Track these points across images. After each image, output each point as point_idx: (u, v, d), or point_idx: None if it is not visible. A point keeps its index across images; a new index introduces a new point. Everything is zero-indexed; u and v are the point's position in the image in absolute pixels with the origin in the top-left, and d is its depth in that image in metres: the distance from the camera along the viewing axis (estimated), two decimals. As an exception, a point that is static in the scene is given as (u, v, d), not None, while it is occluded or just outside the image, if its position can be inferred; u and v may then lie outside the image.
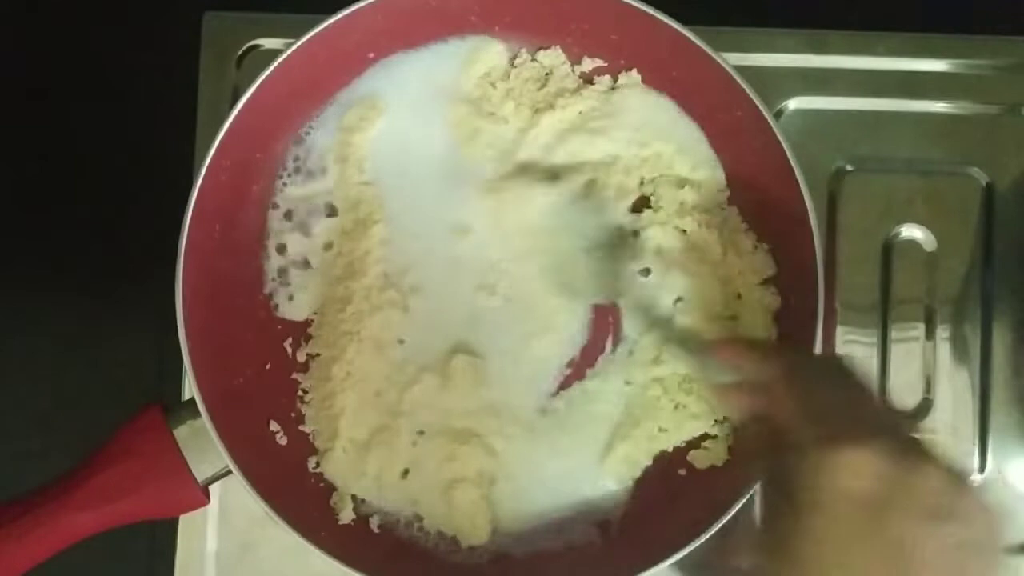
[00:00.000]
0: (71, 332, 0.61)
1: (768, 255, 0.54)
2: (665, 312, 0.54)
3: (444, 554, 0.54)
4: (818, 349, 0.50)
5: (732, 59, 0.51)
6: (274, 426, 0.54)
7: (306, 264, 0.55)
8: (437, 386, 0.54)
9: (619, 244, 0.54)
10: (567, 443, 0.54)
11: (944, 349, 0.59)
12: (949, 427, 0.58)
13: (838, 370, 0.44)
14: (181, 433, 0.50)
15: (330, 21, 0.52)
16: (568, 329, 0.55)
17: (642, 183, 0.56)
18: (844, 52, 0.60)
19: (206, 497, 0.51)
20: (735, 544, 0.44)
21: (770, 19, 0.61)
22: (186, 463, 0.49)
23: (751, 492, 0.49)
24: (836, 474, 0.37)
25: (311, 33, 0.51)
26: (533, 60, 0.57)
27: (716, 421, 0.54)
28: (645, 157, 0.55)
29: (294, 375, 0.55)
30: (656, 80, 0.56)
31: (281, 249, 0.56)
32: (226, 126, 0.51)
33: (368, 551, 0.53)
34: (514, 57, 0.57)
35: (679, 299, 0.54)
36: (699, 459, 0.54)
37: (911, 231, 0.59)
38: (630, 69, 0.56)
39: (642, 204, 0.56)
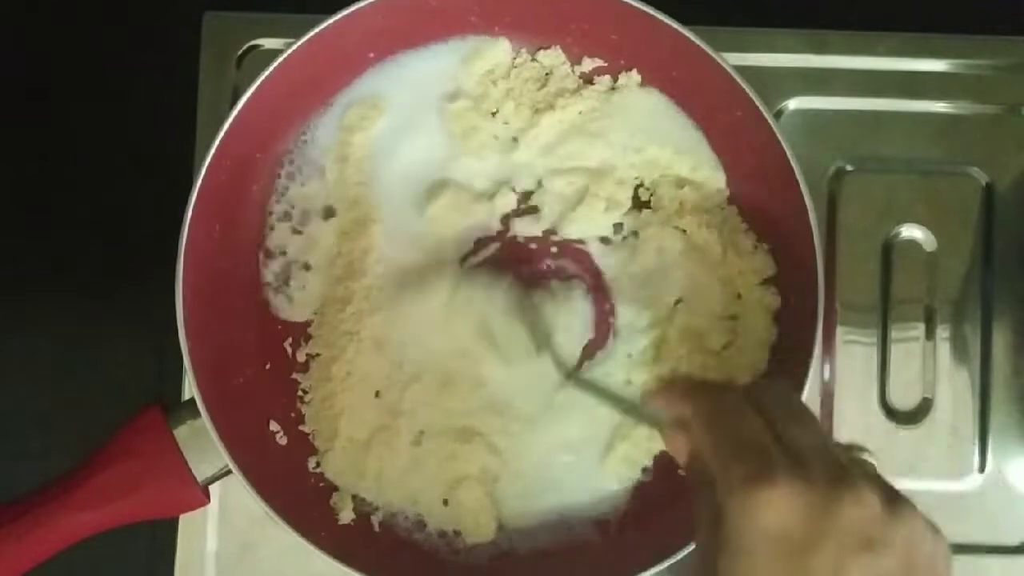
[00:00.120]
0: (71, 332, 0.61)
1: (768, 255, 0.54)
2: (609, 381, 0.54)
3: (445, 554, 0.54)
4: (818, 350, 0.50)
5: (732, 59, 0.51)
6: (274, 426, 0.54)
7: (306, 265, 0.55)
8: (438, 388, 0.54)
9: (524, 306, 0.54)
10: (569, 441, 0.54)
11: (944, 349, 0.59)
12: (949, 427, 0.58)
13: (759, 400, 0.41)
14: (181, 433, 0.50)
15: (330, 21, 0.52)
16: (571, 328, 0.55)
17: (641, 186, 0.56)
18: (844, 52, 0.60)
19: (206, 497, 0.51)
20: None
21: (770, 19, 0.61)
22: (186, 463, 0.49)
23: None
24: (756, 514, 0.35)
25: (311, 33, 0.51)
26: (533, 60, 0.57)
27: (716, 421, 0.53)
28: (643, 163, 0.55)
29: (294, 375, 0.55)
30: (656, 80, 0.56)
31: (281, 249, 0.56)
32: (226, 126, 0.51)
33: (368, 551, 0.53)
34: (514, 57, 0.57)
35: (679, 299, 0.54)
36: (699, 459, 0.54)
37: (911, 231, 0.59)
38: (630, 69, 0.56)
39: (642, 204, 0.56)
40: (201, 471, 0.50)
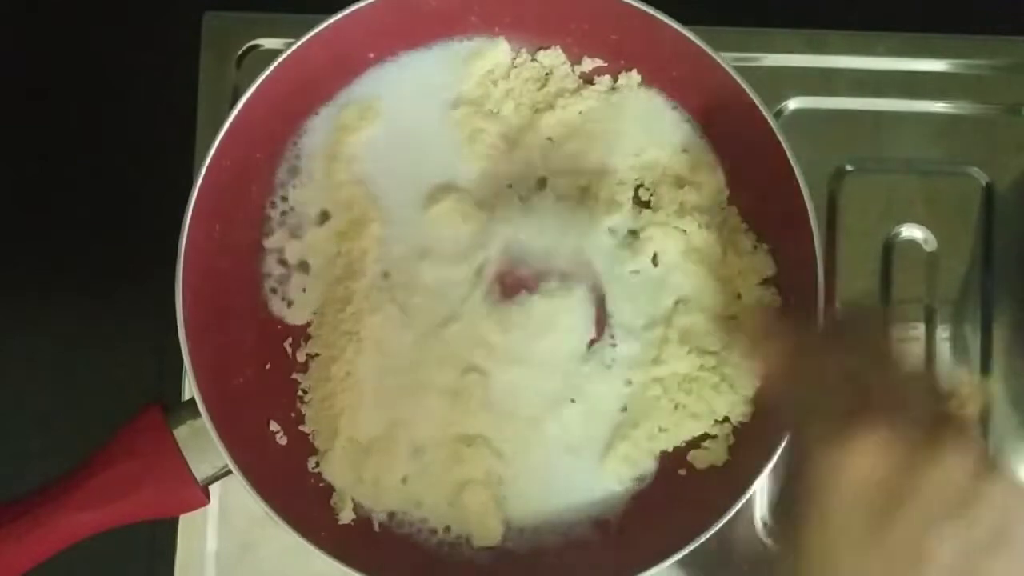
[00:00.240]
0: (71, 332, 0.61)
1: (768, 255, 0.54)
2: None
3: (445, 554, 0.54)
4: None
5: (732, 59, 0.51)
6: (274, 426, 0.54)
7: (304, 266, 0.55)
8: (446, 401, 0.54)
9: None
10: (569, 442, 0.54)
11: (944, 349, 0.59)
12: (949, 427, 0.58)
13: (852, 340, 0.39)
14: (181, 433, 0.50)
15: (330, 21, 0.52)
16: (573, 328, 0.55)
17: (641, 186, 0.56)
18: (844, 52, 0.60)
19: (206, 497, 0.51)
20: None
21: (770, 19, 0.61)
22: (186, 463, 0.49)
23: (750, 493, 0.49)
24: (840, 466, 0.34)
25: (311, 33, 0.51)
26: (533, 60, 0.57)
27: (716, 421, 0.54)
28: (644, 163, 0.55)
29: (294, 375, 0.55)
30: (656, 80, 0.56)
31: (279, 251, 0.56)
32: (226, 126, 0.51)
33: (368, 551, 0.52)
34: (514, 57, 0.57)
35: (679, 299, 0.54)
36: (699, 459, 0.54)
37: (911, 231, 0.59)
38: (630, 69, 0.56)
39: (642, 204, 0.56)
40: (201, 471, 0.50)
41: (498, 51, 0.56)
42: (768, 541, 0.58)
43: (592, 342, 0.55)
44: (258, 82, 0.51)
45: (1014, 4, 0.62)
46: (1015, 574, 0.34)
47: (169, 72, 0.61)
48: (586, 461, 0.54)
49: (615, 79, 0.56)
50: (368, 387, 0.54)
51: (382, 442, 0.54)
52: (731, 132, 0.54)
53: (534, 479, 0.54)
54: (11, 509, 0.48)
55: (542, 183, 0.56)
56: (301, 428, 0.55)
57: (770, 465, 0.48)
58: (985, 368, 0.58)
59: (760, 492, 0.58)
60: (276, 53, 0.51)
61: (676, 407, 0.54)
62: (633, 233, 0.55)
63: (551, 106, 0.56)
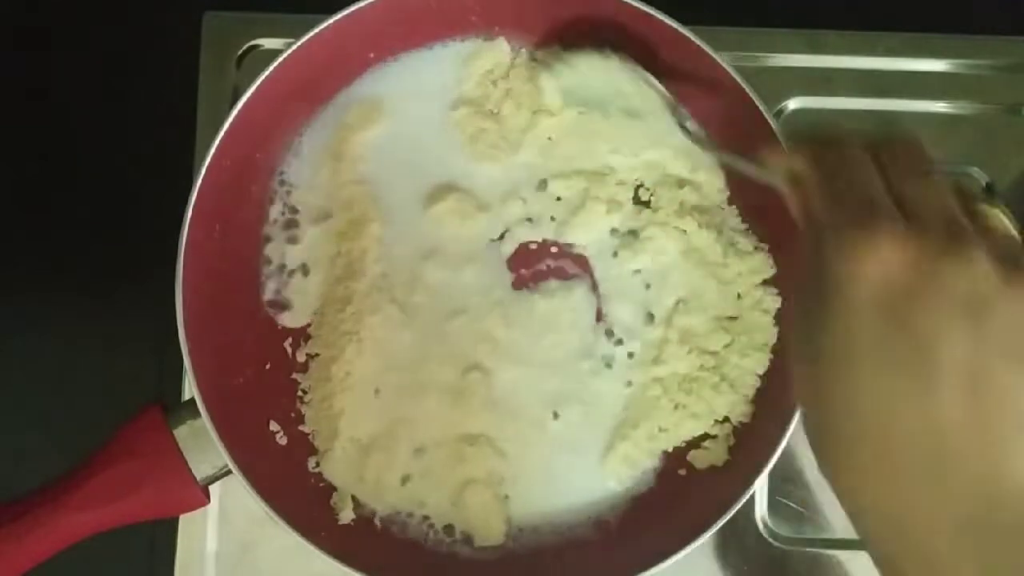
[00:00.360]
0: (71, 332, 0.61)
1: (768, 255, 0.54)
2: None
3: (446, 553, 0.54)
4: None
5: (732, 59, 0.51)
6: (274, 426, 0.54)
7: (304, 267, 0.55)
8: (444, 399, 0.54)
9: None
10: (570, 441, 0.54)
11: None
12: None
13: (883, 154, 0.37)
14: (181, 433, 0.50)
15: (330, 21, 0.52)
16: (575, 327, 0.55)
17: (641, 186, 0.56)
18: (844, 52, 0.60)
19: (206, 497, 0.51)
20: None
21: (770, 19, 0.61)
22: (186, 463, 0.49)
23: (750, 493, 0.49)
24: (860, 261, 0.33)
25: (311, 33, 0.51)
26: (533, 60, 0.56)
27: (716, 421, 0.54)
28: (643, 163, 0.55)
29: (294, 375, 0.55)
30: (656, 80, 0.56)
31: (279, 251, 0.56)
32: (226, 126, 0.51)
33: (368, 551, 0.52)
34: (514, 57, 0.57)
35: (679, 300, 0.54)
36: (699, 459, 0.54)
37: (911, 231, 0.59)
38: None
39: (642, 204, 0.56)
40: (201, 471, 0.50)
41: (498, 51, 0.56)
42: (769, 541, 0.58)
43: (592, 342, 0.55)
44: (258, 82, 0.51)
45: (1014, 4, 0.62)
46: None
47: (169, 72, 0.61)
48: (586, 461, 0.54)
49: (615, 79, 0.56)
50: (368, 387, 0.54)
51: (383, 441, 0.54)
52: (731, 132, 0.54)
53: (535, 479, 0.54)
54: (11, 509, 0.48)
55: (543, 184, 0.56)
56: (301, 428, 0.55)
57: (770, 465, 0.48)
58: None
59: (760, 492, 0.58)
60: (276, 53, 0.51)
61: (676, 407, 0.54)
62: (633, 233, 0.55)
63: (551, 106, 0.56)
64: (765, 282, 0.54)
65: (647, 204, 0.55)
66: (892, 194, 0.35)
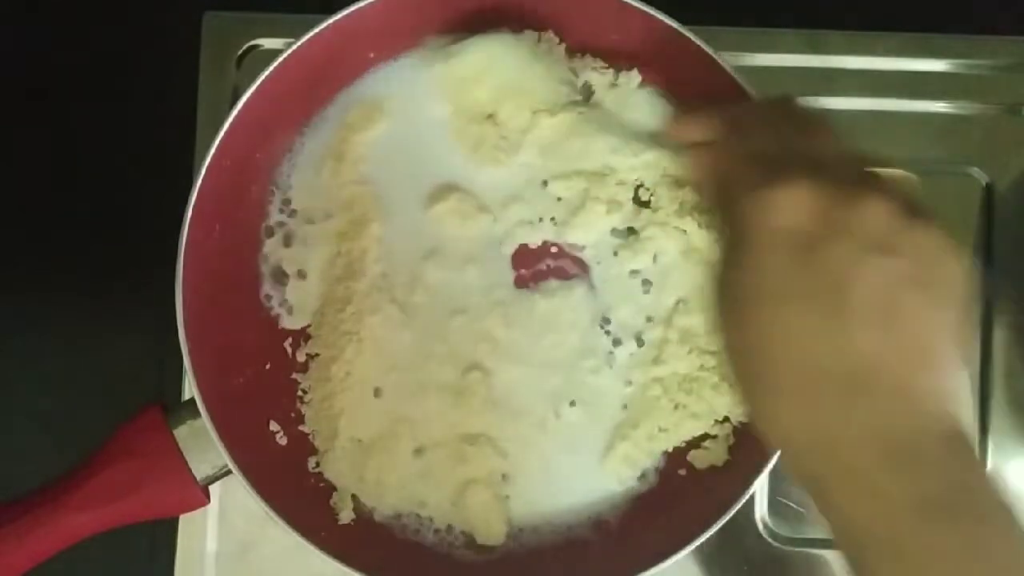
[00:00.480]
0: (71, 332, 0.61)
1: (768, 255, 0.54)
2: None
3: (446, 553, 0.54)
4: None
5: (732, 59, 0.51)
6: (274, 426, 0.54)
7: (301, 272, 0.55)
8: (448, 401, 0.54)
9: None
10: (570, 441, 0.54)
11: (944, 349, 0.59)
12: (949, 427, 0.58)
13: (786, 112, 0.40)
14: (181, 433, 0.50)
15: (330, 21, 0.52)
16: (576, 326, 0.55)
17: (641, 186, 0.56)
18: (844, 52, 0.60)
19: (206, 497, 0.51)
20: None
21: (770, 19, 0.61)
22: (186, 463, 0.49)
23: (750, 493, 0.49)
24: (771, 209, 0.35)
25: (311, 33, 0.51)
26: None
27: (716, 421, 0.54)
28: (643, 163, 0.55)
29: (294, 375, 0.55)
30: (656, 80, 0.56)
31: (280, 250, 0.56)
32: (226, 126, 0.51)
33: (368, 551, 0.52)
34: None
35: (679, 299, 0.54)
36: (699, 459, 0.54)
37: (911, 231, 0.59)
38: (630, 69, 0.56)
39: (642, 204, 0.56)
40: (201, 471, 0.50)
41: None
42: (769, 541, 0.58)
43: (592, 342, 0.55)
44: (258, 82, 0.51)
45: (1014, 4, 0.62)
46: (932, 311, 0.35)
47: (169, 72, 0.61)
48: (586, 461, 0.54)
49: (615, 79, 0.56)
50: (368, 387, 0.54)
51: (384, 441, 0.54)
52: (731, 132, 0.54)
53: (535, 478, 0.54)
54: (11, 509, 0.48)
55: (543, 184, 0.56)
56: (301, 428, 0.55)
57: (770, 465, 0.48)
58: (985, 368, 0.58)
59: (760, 492, 0.58)
60: (276, 53, 0.51)
61: (676, 407, 0.54)
62: (633, 233, 0.55)
63: (551, 106, 0.56)
64: (765, 282, 0.54)
65: (647, 204, 0.55)
66: (797, 150, 0.38)
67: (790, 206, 0.35)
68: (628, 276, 0.55)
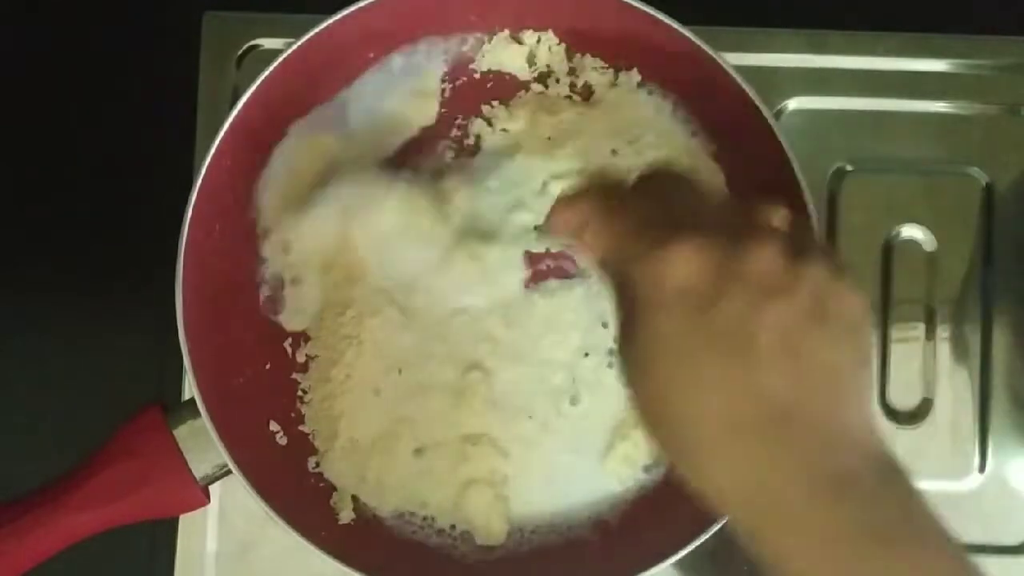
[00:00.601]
0: (71, 332, 0.61)
1: (768, 255, 0.54)
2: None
3: (446, 554, 0.54)
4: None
5: (732, 59, 0.51)
6: (274, 426, 0.54)
7: (296, 278, 0.55)
8: (449, 401, 0.54)
9: None
10: (572, 441, 0.54)
11: (944, 349, 0.59)
12: (949, 427, 0.58)
13: (653, 187, 0.40)
14: (181, 433, 0.50)
15: (330, 21, 0.52)
16: (577, 326, 0.55)
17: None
18: (844, 52, 0.60)
19: (206, 497, 0.51)
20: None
21: (770, 19, 0.61)
22: (186, 463, 0.49)
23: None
24: (661, 274, 0.35)
25: (311, 33, 0.51)
26: (532, 60, 0.57)
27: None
28: (643, 163, 0.55)
29: (294, 375, 0.55)
30: (656, 80, 0.56)
31: (279, 250, 0.55)
32: (226, 126, 0.51)
33: (368, 551, 0.52)
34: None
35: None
36: (699, 459, 0.54)
37: (911, 231, 0.59)
38: (630, 69, 0.56)
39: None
40: (201, 471, 0.50)
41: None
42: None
43: (591, 341, 0.55)
44: (258, 82, 0.51)
45: (1014, 4, 0.62)
46: (834, 345, 0.35)
47: (169, 72, 0.61)
48: (586, 461, 0.54)
49: (615, 79, 0.56)
50: (369, 388, 0.54)
51: (384, 442, 0.53)
52: (731, 132, 0.54)
53: (536, 478, 0.54)
54: (11, 509, 0.48)
55: (543, 185, 0.56)
56: (301, 428, 0.55)
57: (770, 465, 0.48)
58: (985, 368, 0.58)
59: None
60: (276, 53, 0.51)
61: (676, 407, 0.53)
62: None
63: (551, 106, 0.56)
64: (765, 282, 0.54)
65: (647, 204, 0.55)
66: (675, 217, 0.38)
67: (680, 265, 0.35)
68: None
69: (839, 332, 0.36)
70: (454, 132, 0.57)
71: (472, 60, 0.57)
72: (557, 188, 0.55)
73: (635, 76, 0.56)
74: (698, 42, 0.51)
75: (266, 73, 0.51)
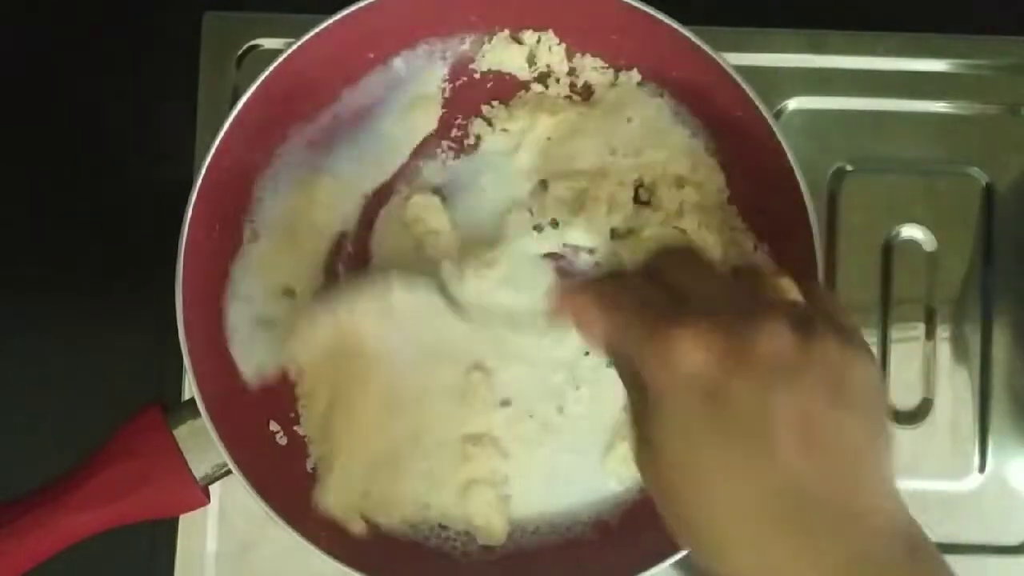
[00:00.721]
0: (71, 332, 0.61)
1: (768, 255, 0.54)
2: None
3: (446, 553, 0.54)
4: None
5: (732, 59, 0.51)
6: (274, 426, 0.54)
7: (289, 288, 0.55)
8: (452, 403, 0.54)
9: None
10: (572, 441, 0.54)
11: (944, 349, 0.59)
12: (949, 427, 0.58)
13: (657, 270, 0.39)
14: (181, 433, 0.50)
15: (330, 21, 0.52)
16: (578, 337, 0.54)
17: (641, 186, 0.56)
18: (844, 52, 0.60)
19: (206, 497, 0.51)
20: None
21: (770, 19, 0.61)
22: (186, 463, 0.49)
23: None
24: (668, 359, 0.34)
25: (311, 33, 0.51)
26: (533, 59, 0.57)
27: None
28: (643, 163, 0.55)
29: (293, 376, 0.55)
30: (656, 80, 0.56)
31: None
32: (226, 126, 0.51)
33: (369, 551, 0.52)
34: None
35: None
36: (699, 459, 0.54)
37: (911, 231, 0.59)
38: (630, 69, 0.56)
39: (642, 204, 0.56)
40: (201, 471, 0.50)
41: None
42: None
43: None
44: (258, 82, 0.51)
45: (1014, 4, 0.62)
46: (852, 424, 0.35)
47: (169, 72, 0.61)
48: (586, 461, 0.54)
49: (615, 79, 0.56)
50: (370, 404, 0.53)
51: (386, 455, 0.53)
52: (731, 132, 0.54)
53: (537, 478, 0.54)
54: (11, 509, 0.48)
55: (543, 185, 0.56)
56: (300, 428, 0.55)
57: (770, 465, 0.48)
58: (985, 368, 0.58)
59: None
60: (276, 53, 0.51)
61: (676, 407, 0.53)
62: (633, 233, 0.55)
63: (551, 106, 0.56)
64: (765, 282, 0.54)
65: (647, 204, 0.55)
66: (677, 297, 0.37)
67: (687, 350, 0.34)
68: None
69: (854, 408, 0.35)
70: (454, 132, 0.57)
71: (472, 60, 0.57)
72: (557, 188, 0.55)
73: (635, 76, 0.56)
74: (698, 42, 0.51)
75: (266, 73, 0.51)
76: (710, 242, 0.54)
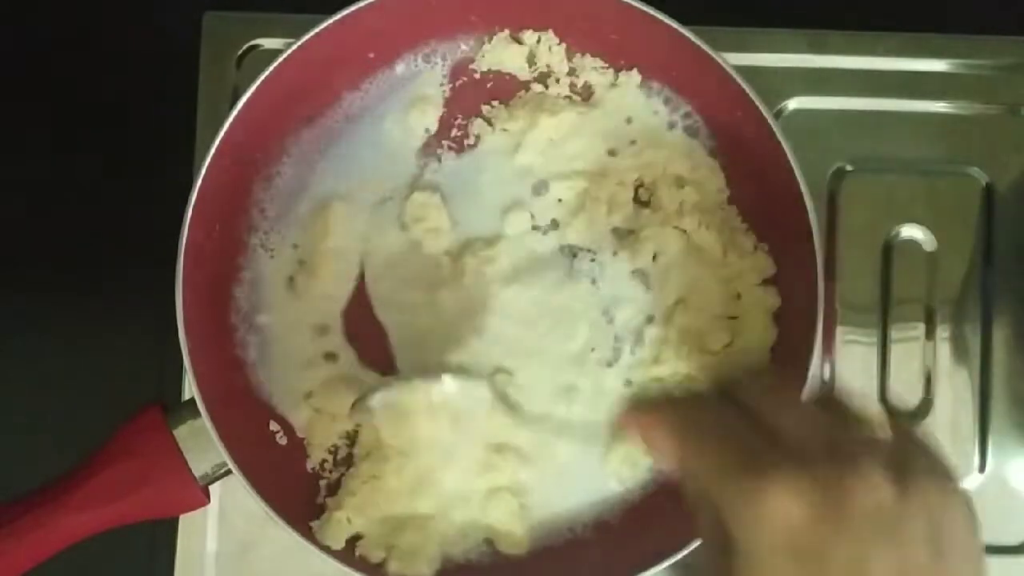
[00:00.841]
0: (71, 332, 0.61)
1: (768, 255, 0.54)
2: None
3: (445, 553, 0.54)
4: (818, 350, 0.50)
5: (732, 59, 0.51)
6: (274, 426, 0.54)
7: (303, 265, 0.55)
8: (481, 415, 0.53)
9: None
10: (578, 442, 0.54)
11: (944, 349, 0.59)
12: (949, 427, 0.58)
13: (739, 399, 0.38)
14: (181, 433, 0.50)
15: (330, 21, 0.52)
16: (574, 327, 0.55)
17: (641, 186, 0.56)
18: (844, 52, 0.60)
19: (206, 497, 0.51)
20: None
21: (770, 19, 0.61)
22: (186, 463, 0.49)
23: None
24: (759, 518, 0.33)
25: (311, 33, 0.51)
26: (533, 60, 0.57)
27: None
28: (643, 163, 0.55)
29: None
30: (656, 80, 0.56)
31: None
32: (226, 126, 0.51)
33: (368, 551, 0.52)
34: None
35: (679, 299, 0.54)
36: (699, 459, 0.54)
37: (911, 231, 0.59)
38: (630, 69, 0.56)
39: (642, 204, 0.56)
40: (201, 471, 0.50)
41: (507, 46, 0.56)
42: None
43: (592, 342, 0.55)
44: (258, 82, 0.51)
45: (1014, 4, 0.62)
46: (957, 571, 0.34)
47: (169, 72, 0.61)
48: (588, 461, 0.54)
49: (615, 79, 0.56)
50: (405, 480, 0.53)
51: (413, 514, 0.52)
52: (731, 132, 0.54)
53: (550, 481, 0.54)
54: (11, 509, 0.48)
55: (543, 185, 0.56)
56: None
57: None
58: (985, 368, 0.58)
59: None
60: (276, 53, 0.51)
61: (676, 407, 0.53)
62: (633, 233, 0.55)
63: (551, 106, 0.56)
64: (765, 281, 0.54)
65: (647, 204, 0.55)
66: (764, 431, 0.35)
67: (780, 509, 0.33)
68: (628, 276, 0.55)
69: (954, 557, 0.34)
70: (454, 132, 0.57)
71: (472, 60, 0.57)
72: (557, 188, 0.55)
73: (635, 76, 0.56)
74: (698, 42, 0.51)
75: (266, 73, 0.51)
76: (710, 242, 0.54)
